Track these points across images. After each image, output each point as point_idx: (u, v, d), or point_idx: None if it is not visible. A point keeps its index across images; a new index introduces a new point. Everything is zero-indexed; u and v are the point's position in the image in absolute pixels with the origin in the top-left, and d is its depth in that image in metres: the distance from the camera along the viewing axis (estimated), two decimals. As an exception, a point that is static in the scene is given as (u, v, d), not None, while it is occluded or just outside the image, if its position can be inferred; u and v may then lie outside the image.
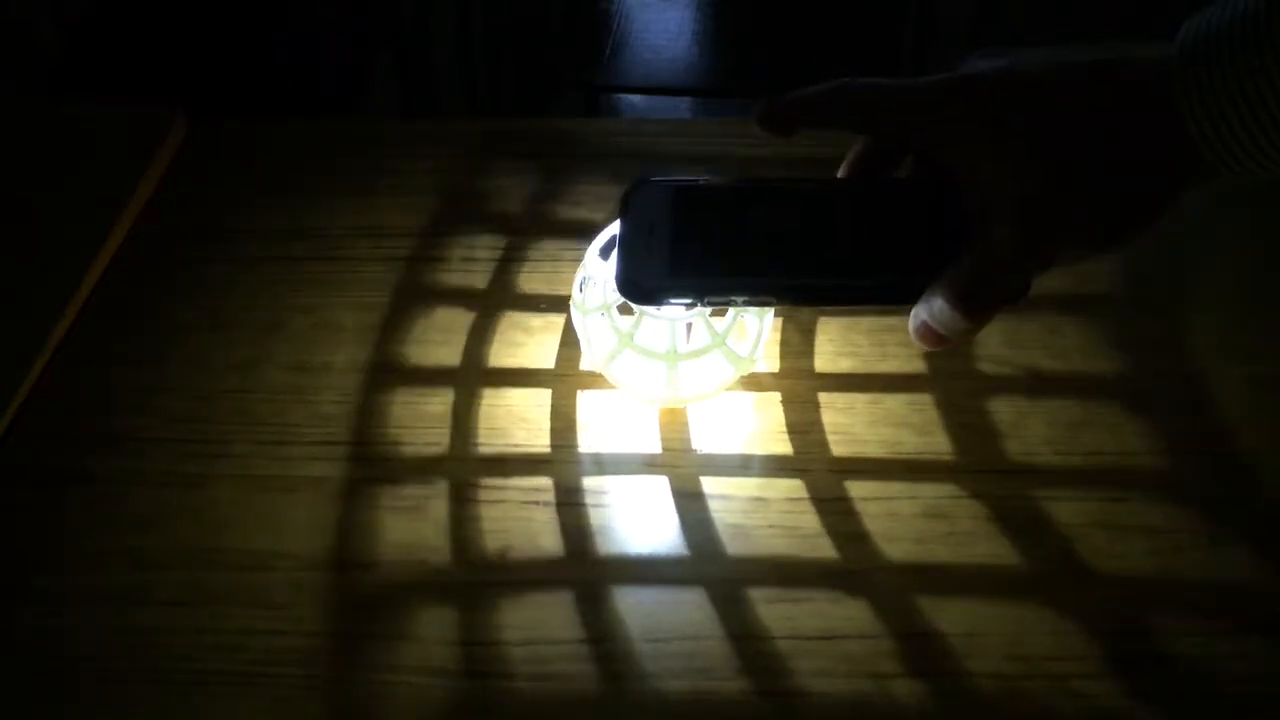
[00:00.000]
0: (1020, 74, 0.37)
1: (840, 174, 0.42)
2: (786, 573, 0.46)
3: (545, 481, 0.50)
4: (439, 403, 0.53)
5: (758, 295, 0.40)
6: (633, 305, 0.48)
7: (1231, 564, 0.46)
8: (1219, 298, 0.58)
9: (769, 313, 0.51)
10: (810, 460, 0.51)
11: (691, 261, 0.40)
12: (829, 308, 0.57)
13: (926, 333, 0.38)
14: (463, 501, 0.49)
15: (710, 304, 0.41)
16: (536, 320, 0.57)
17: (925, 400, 0.53)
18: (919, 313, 0.38)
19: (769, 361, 0.55)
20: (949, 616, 0.45)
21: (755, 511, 0.49)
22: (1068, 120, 0.36)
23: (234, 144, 0.70)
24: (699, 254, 0.40)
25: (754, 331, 0.50)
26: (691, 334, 0.50)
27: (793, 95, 0.40)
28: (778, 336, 0.56)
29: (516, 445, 0.51)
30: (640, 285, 0.40)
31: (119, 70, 1.22)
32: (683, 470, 0.51)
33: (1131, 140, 0.35)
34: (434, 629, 0.45)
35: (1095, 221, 0.36)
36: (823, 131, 0.40)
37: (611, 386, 0.53)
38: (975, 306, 0.36)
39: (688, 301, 0.41)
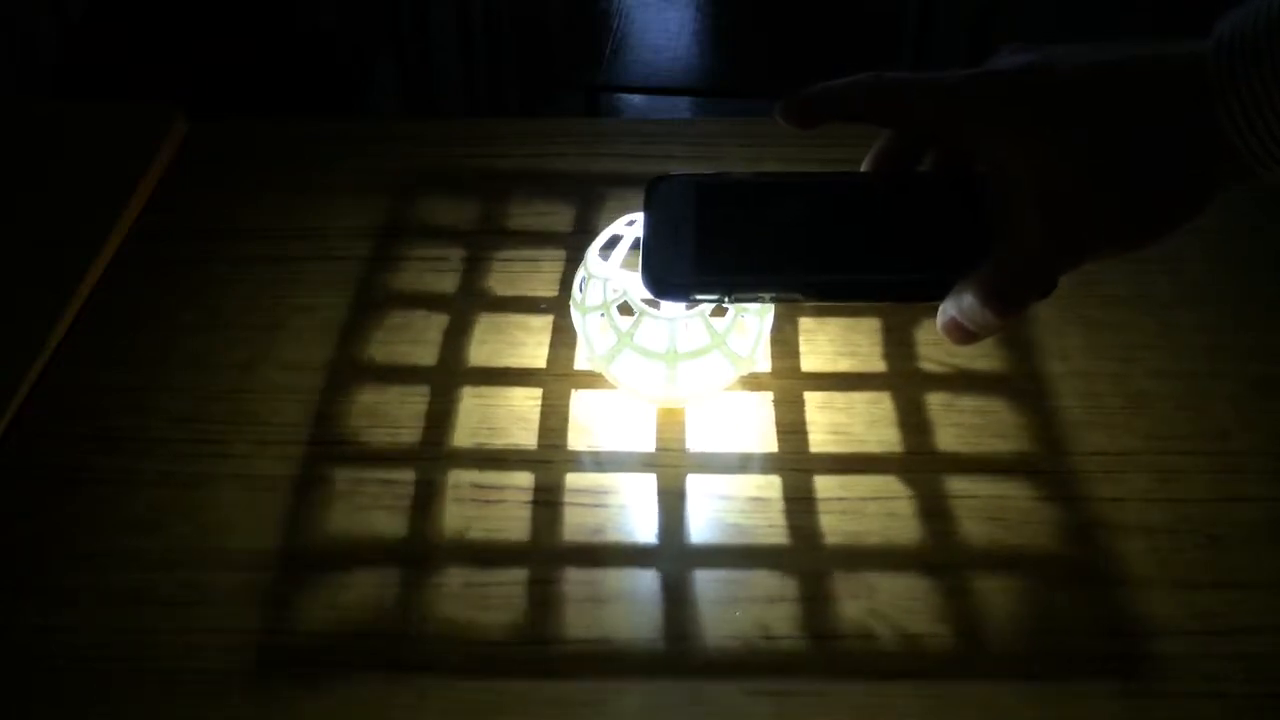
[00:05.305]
0: (1052, 70, 0.36)
1: (863, 169, 0.42)
2: (786, 572, 0.46)
3: (544, 481, 0.50)
4: (438, 402, 0.53)
5: (785, 292, 0.40)
6: (634, 306, 0.48)
7: (1231, 564, 0.46)
8: (1218, 298, 0.58)
9: (769, 313, 0.51)
10: (810, 459, 0.51)
11: (718, 258, 0.39)
12: (843, 303, 0.57)
13: (955, 328, 0.38)
14: (462, 501, 0.49)
15: (738, 300, 0.41)
16: (537, 320, 0.57)
17: (925, 400, 0.53)
18: (947, 308, 0.38)
19: (768, 361, 0.55)
20: (949, 616, 0.45)
21: (755, 511, 0.49)
22: (1101, 118, 0.35)
23: (234, 144, 0.70)
24: (725, 250, 0.39)
25: (754, 331, 0.50)
26: (690, 334, 0.50)
27: (818, 87, 0.39)
28: (777, 336, 0.56)
29: (516, 445, 0.51)
30: (667, 282, 0.39)
31: (119, 70, 1.22)
32: (681, 469, 0.51)
33: (1165, 138, 0.35)
34: (434, 629, 0.45)
35: (1127, 220, 0.36)
36: (838, 128, 0.39)
37: (609, 386, 0.53)
38: (1005, 302, 0.36)
39: (714, 298, 0.40)
